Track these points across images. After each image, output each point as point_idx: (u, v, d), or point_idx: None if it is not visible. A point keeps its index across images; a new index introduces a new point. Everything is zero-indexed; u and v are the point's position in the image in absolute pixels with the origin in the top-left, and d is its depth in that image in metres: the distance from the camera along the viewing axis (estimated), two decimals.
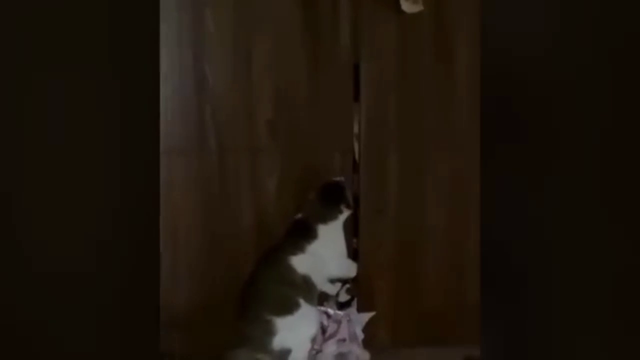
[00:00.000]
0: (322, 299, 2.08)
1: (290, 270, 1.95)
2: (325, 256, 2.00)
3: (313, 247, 1.99)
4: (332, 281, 2.08)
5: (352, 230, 2.16)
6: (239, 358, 1.91)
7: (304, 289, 1.95)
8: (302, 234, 2.01)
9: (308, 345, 1.97)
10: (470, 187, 2.13)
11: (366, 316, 2.10)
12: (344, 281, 2.11)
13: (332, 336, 2.03)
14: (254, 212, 2.14)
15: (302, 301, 1.94)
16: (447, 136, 2.18)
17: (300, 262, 1.96)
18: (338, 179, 2.09)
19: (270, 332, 1.90)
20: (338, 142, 2.16)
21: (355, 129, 2.16)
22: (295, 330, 1.93)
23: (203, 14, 2.08)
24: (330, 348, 2.02)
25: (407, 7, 2.08)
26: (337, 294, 2.10)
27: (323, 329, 2.04)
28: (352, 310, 2.11)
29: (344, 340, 2.03)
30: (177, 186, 2.09)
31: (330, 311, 2.06)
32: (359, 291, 2.15)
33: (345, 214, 2.03)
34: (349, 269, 2.09)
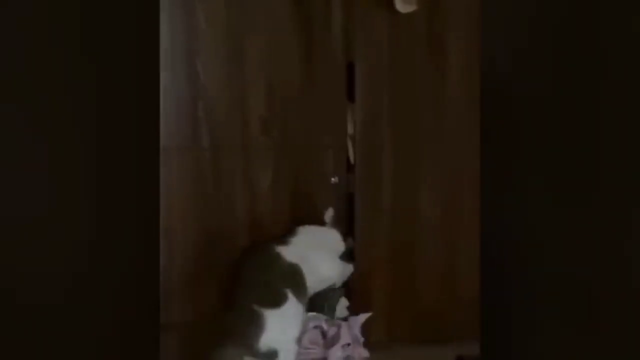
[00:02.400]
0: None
1: (278, 257, 1.93)
2: (310, 252, 1.98)
3: (296, 240, 1.99)
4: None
5: (347, 230, 2.17)
6: (224, 358, 1.84)
7: (292, 281, 1.92)
8: (285, 233, 2.03)
9: (294, 347, 1.91)
10: (467, 185, 2.15)
11: (362, 317, 2.09)
12: (340, 289, 2.11)
13: (335, 341, 2.01)
14: (247, 208, 2.13)
15: (290, 294, 1.89)
16: (443, 134, 2.19)
17: (288, 251, 1.95)
18: (334, 180, 2.10)
19: (257, 325, 1.84)
20: (332, 140, 2.16)
21: (349, 128, 2.16)
22: (282, 326, 1.87)
23: (195, 10, 2.06)
24: (337, 354, 2.00)
25: (401, 6, 2.08)
26: (334, 309, 2.09)
27: (324, 334, 2.03)
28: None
29: (348, 344, 2.02)
30: (172, 182, 2.08)
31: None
32: (355, 290, 2.16)
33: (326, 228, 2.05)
34: (343, 272, 2.07)
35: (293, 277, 1.92)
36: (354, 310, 2.13)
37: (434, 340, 2.21)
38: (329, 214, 2.08)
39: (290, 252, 1.95)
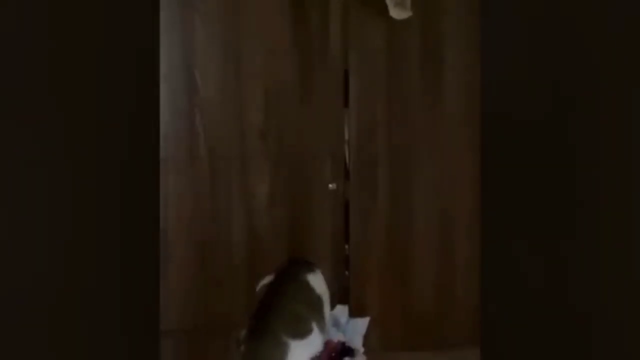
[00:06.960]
0: None
1: (308, 287, 1.95)
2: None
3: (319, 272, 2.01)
4: None
5: (343, 236, 2.18)
6: None
7: (318, 312, 1.95)
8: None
9: None
10: (465, 192, 2.16)
11: (364, 323, 2.10)
12: None
13: None
14: (245, 218, 2.14)
15: (315, 327, 1.92)
16: (440, 140, 2.19)
17: (315, 280, 1.97)
18: (331, 186, 2.11)
19: (282, 354, 1.87)
20: (329, 148, 2.17)
21: (346, 136, 2.17)
22: (301, 355, 1.90)
23: (193, 23, 2.08)
24: None
25: (395, 13, 2.09)
26: None
27: None
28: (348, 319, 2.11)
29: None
30: (171, 193, 2.09)
31: None
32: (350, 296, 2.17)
33: None
34: None
35: (319, 310, 1.96)
36: (350, 316, 2.14)
37: (430, 347, 2.21)
38: None
39: (317, 281, 1.97)
